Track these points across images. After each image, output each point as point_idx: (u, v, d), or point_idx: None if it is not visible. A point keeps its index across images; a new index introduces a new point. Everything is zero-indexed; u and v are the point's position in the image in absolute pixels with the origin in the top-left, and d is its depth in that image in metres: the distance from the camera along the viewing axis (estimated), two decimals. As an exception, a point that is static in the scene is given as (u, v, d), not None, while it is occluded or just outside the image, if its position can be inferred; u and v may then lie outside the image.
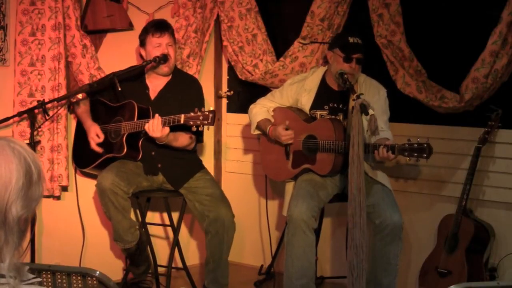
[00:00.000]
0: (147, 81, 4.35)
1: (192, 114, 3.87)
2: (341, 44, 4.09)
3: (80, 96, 4.32)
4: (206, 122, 3.84)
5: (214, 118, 3.84)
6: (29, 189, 1.53)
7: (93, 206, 4.64)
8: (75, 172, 4.53)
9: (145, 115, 4.15)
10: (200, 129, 3.88)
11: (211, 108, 3.87)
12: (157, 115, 3.99)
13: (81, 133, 4.40)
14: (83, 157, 4.41)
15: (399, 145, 3.71)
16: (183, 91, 4.32)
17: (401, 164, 4.43)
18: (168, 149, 4.19)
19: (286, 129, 4.18)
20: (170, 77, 4.36)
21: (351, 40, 4.06)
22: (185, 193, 4.27)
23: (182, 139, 4.20)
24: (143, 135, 4.14)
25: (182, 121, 3.90)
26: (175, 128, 4.03)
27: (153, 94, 4.33)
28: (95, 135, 4.22)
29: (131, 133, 4.13)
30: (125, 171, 4.14)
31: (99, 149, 4.23)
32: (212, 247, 4.23)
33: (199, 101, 4.33)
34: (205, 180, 4.30)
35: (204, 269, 4.35)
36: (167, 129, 3.98)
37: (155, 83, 4.34)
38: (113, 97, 4.32)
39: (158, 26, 4.25)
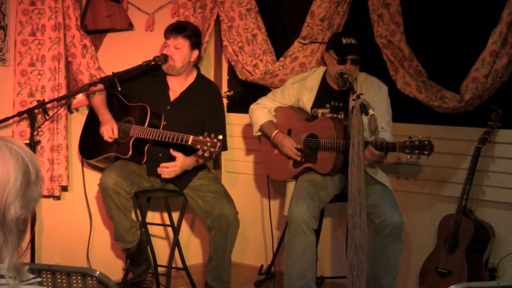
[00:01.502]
0: (168, 80, 4.36)
1: (201, 138, 3.88)
2: (335, 46, 4.09)
3: (80, 95, 4.32)
4: (212, 149, 3.86)
5: (221, 148, 3.87)
6: (27, 189, 1.53)
7: (94, 206, 4.64)
8: (82, 165, 4.53)
9: (157, 120, 4.16)
10: (206, 155, 3.88)
11: (220, 137, 3.88)
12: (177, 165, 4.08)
13: (91, 124, 4.39)
14: (90, 148, 4.40)
15: (400, 143, 3.71)
16: (205, 99, 4.33)
17: (402, 161, 4.43)
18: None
19: (297, 149, 4.18)
20: (192, 80, 4.37)
21: (344, 41, 4.06)
22: (187, 192, 4.27)
23: (199, 162, 4.24)
24: (150, 141, 4.14)
25: (190, 142, 3.92)
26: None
27: (173, 94, 4.33)
28: (111, 129, 4.18)
29: (138, 138, 4.14)
30: (128, 171, 4.14)
31: (110, 140, 4.21)
32: (215, 244, 4.23)
33: (221, 119, 4.39)
34: (208, 178, 4.31)
35: (207, 266, 4.35)
36: (188, 166, 4.09)
37: (175, 83, 4.35)
38: (126, 93, 4.32)
39: (171, 28, 4.28)
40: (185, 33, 4.26)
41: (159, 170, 4.13)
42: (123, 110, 4.30)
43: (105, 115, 4.25)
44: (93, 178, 4.46)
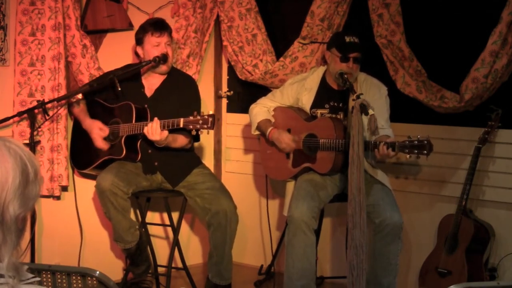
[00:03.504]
0: (143, 80, 4.36)
1: (191, 118, 3.88)
2: (337, 44, 4.09)
3: (79, 96, 4.32)
4: (205, 126, 3.85)
5: (214, 122, 3.85)
6: (25, 188, 1.53)
7: (93, 206, 4.64)
8: (73, 173, 4.53)
9: (142, 116, 4.16)
10: (200, 133, 3.89)
11: (211, 112, 3.87)
12: (156, 118, 3.99)
13: (78, 134, 4.39)
14: (81, 158, 4.41)
15: (399, 142, 3.71)
16: (180, 90, 4.34)
17: (401, 161, 4.43)
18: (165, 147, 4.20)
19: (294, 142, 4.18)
20: (166, 75, 4.37)
21: (347, 39, 4.06)
22: (184, 191, 4.27)
23: (181, 140, 4.21)
24: (141, 137, 4.14)
25: (181, 125, 3.92)
26: (173, 129, 4.03)
27: (149, 92, 4.33)
28: (99, 129, 4.20)
29: (129, 135, 4.14)
30: (125, 172, 4.14)
31: (105, 145, 4.20)
32: (215, 240, 4.23)
33: (196, 101, 4.36)
34: (203, 175, 4.30)
35: (208, 263, 4.35)
36: (166, 132, 3.98)
37: (151, 82, 4.35)
38: (110, 96, 4.31)
39: (158, 26, 4.26)
40: (169, 29, 4.31)
41: (146, 133, 3.98)
42: (108, 113, 4.30)
43: (85, 121, 4.29)
44: (89, 180, 4.46)
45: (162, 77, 4.36)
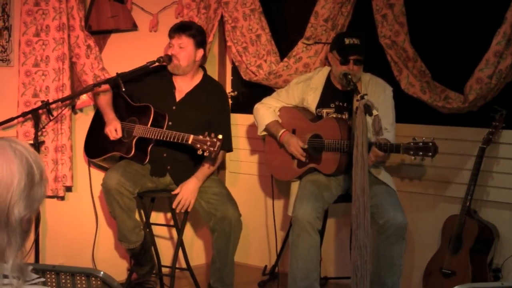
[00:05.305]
0: (174, 80, 4.37)
1: (201, 137, 3.90)
2: (338, 47, 4.10)
3: (84, 95, 4.33)
4: (212, 149, 3.86)
5: (226, 149, 3.92)
6: (31, 190, 1.53)
7: (97, 207, 4.64)
8: (89, 166, 4.53)
9: (160, 120, 4.17)
10: (205, 154, 3.89)
11: (220, 136, 3.89)
12: (181, 202, 4.16)
13: (97, 123, 4.40)
14: (94, 148, 4.42)
15: (404, 144, 3.71)
16: (211, 100, 4.34)
17: (406, 162, 4.43)
18: (179, 151, 4.21)
19: (302, 148, 4.17)
20: (198, 81, 4.38)
21: (347, 41, 4.06)
22: (191, 193, 4.28)
23: (207, 171, 4.26)
24: (153, 141, 4.15)
25: (190, 142, 3.93)
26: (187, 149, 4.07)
27: (179, 94, 4.34)
28: (114, 129, 4.20)
29: (141, 137, 4.15)
30: (131, 172, 4.15)
31: (113, 138, 4.23)
32: (218, 246, 4.23)
33: (226, 119, 4.40)
34: (212, 180, 4.31)
35: (210, 268, 4.35)
36: (194, 187, 4.14)
37: (181, 83, 4.36)
38: (133, 94, 4.33)
39: (175, 27, 4.31)
40: (189, 32, 4.27)
41: (177, 211, 4.20)
42: (128, 110, 4.32)
43: (109, 115, 4.28)
44: (99, 178, 4.46)
45: (192, 81, 4.36)
